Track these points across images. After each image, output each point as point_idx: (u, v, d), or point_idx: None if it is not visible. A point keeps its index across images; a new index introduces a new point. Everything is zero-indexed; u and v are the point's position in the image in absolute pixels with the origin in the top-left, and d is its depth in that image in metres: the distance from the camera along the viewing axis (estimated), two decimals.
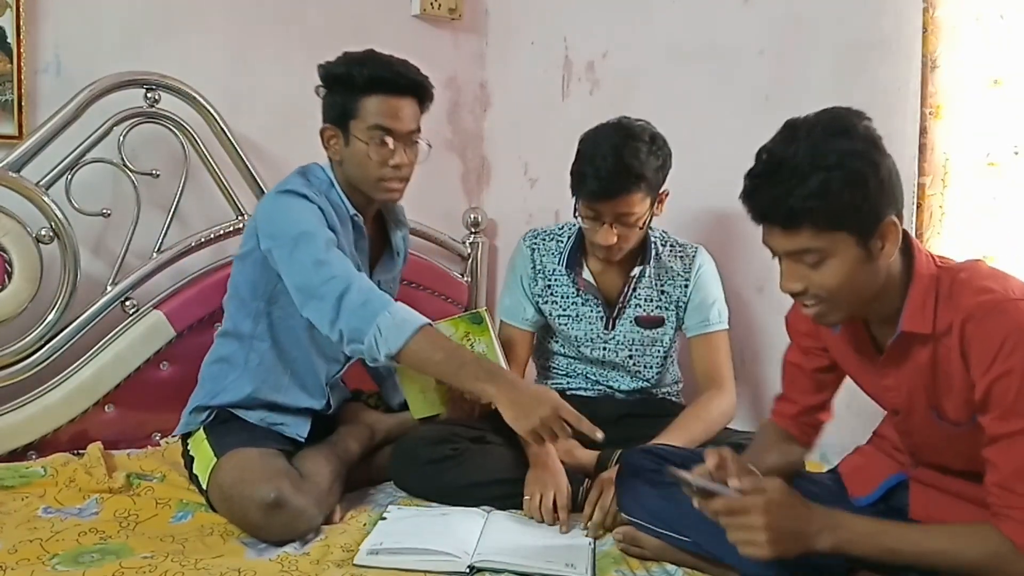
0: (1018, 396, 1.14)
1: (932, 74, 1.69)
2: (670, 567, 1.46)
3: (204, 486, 1.66)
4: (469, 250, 2.68)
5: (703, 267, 1.95)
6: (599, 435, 1.48)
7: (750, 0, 2.08)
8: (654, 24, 2.30)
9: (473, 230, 2.69)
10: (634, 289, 1.93)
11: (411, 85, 1.74)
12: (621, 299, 1.94)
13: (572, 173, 1.81)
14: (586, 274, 1.94)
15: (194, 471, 1.71)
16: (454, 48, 2.72)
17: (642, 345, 1.96)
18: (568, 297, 1.97)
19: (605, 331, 1.95)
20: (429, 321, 1.58)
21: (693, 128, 2.18)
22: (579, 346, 1.98)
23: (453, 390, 1.88)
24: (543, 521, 1.63)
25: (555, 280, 1.97)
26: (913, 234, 1.71)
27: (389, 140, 1.70)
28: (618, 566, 1.47)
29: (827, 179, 1.15)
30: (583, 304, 1.96)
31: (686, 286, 1.94)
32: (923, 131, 1.69)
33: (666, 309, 1.95)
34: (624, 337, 1.95)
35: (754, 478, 1.24)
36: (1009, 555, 1.14)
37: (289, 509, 1.52)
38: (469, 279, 2.67)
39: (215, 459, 1.65)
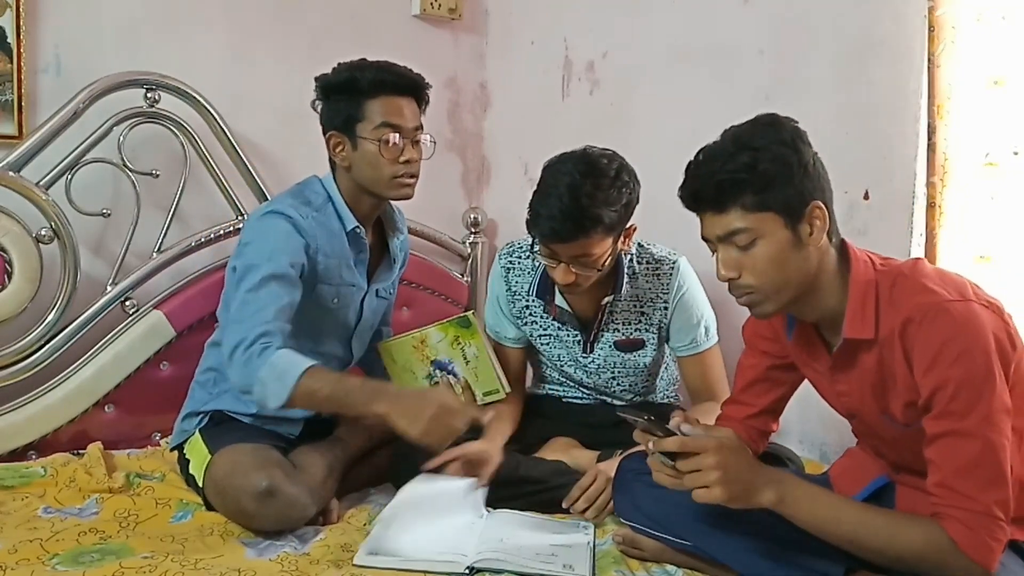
0: (955, 398, 1.15)
1: (935, 73, 1.69)
2: (670, 567, 1.46)
3: (200, 484, 1.67)
4: (469, 250, 2.68)
5: (683, 287, 1.83)
6: (487, 416, 1.56)
7: (750, 0, 2.08)
8: (654, 24, 2.30)
9: (473, 230, 2.69)
10: (609, 314, 1.85)
11: (411, 85, 1.78)
12: (596, 325, 1.86)
13: (529, 207, 1.70)
14: (559, 300, 1.86)
15: (190, 471, 1.72)
16: (454, 48, 2.72)
17: (624, 367, 1.89)
18: (546, 318, 1.91)
19: (584, 355, 1.89)
20: (312, 363, 1.53)
21: (693, 128, 2.16)
22: (561, 366, 1.93)
23: None
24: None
25: (532, 301, 1.90)
26: (924, 232, 1.72)
27: (397, 136, 1.73)
28: (618, 566, 1.47)
29: (753, 157, 1.21)
30: (559, 328, 1.90)
31: (666, 308, 1.84)
32: (932, 130, 1.68)
33: (646, 331, 1.86)
34: (604, 360, 1.88)
35: (708, 427, 1.29)
36: (949, 552, 1.15)
37: (281, 497, 1.53)
38: (469, 279, 2.67)
39: (210, 456, 1.66)
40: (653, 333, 1.87)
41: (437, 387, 1.53)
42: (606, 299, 1.82)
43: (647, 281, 1.84)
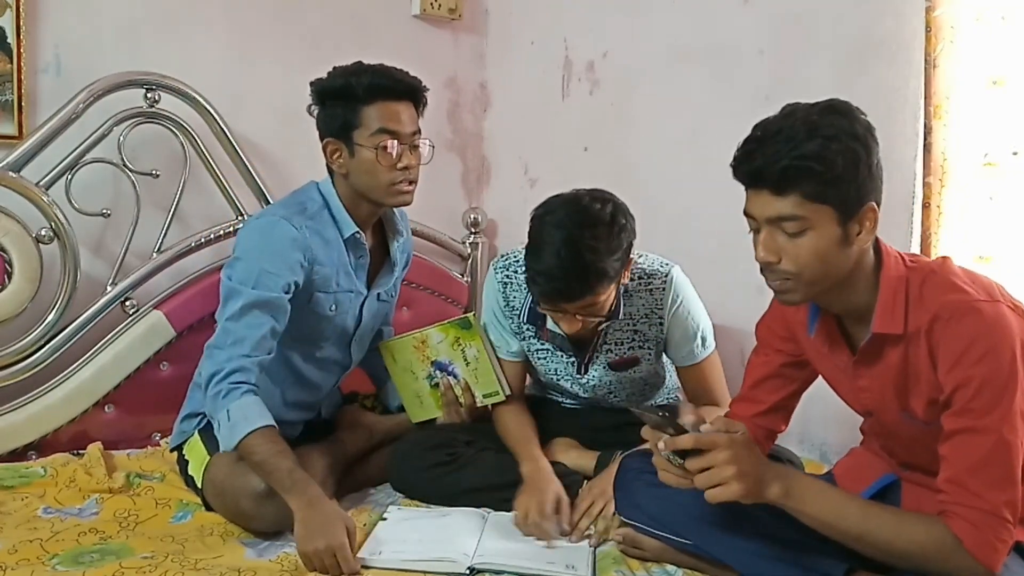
0: (976, 396, 1.15)
1: (932, 74, 1.69)
2: (671, 567, 1.46)
3: (199, 485, 1.67)
4: (469, 250, 2.68)
5: (678, 299, 1.77)
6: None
7: (750, 0, 2.08)
8: (654, 24, 2.30)
9: (473, 230, 2.69)
10: (603, 336, 1.78)
11: (408, 89, 1.75)
12: (591, 348, 1.80)
13: (526, 266, 1.63)
14: (550, 324, 1.77)
15: (189, 472, 1.72)
16: (454, 48, 2.72)
17: (619, 383, 1.85)
18: (541, 337, 1.86)
19: (579, 375, 1.85)
20: (265, 424, 1.55)
21: (693, 128, 2.18)
22: (558, 380, 1.90)
23: (450, 394, 1.89)
24: (533, 536, 1.58)
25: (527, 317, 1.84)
26: (919, 232, 1.72)
27: (394, 143, 1.70)
28: (618, 566, 1.47)
29: (825, 145, 1.18)
30: (554, 349, 1.85)
31: (662, 324, 1.77)
32: (929, 130, 1.68)
33: (640, 348, 1.80)
34: (599, 380, 1.84)
35: (725, 421, 1.29)
36: (953, 550, 1.15)
37: (280, 498, 1.52)
38: (469, 279, 2.67)
39: (209, 457, 1.66)
40: (649, 349, 1.81)
41: (344, 521, 1.46)
42: (602, 325, 1.74)
43: (640, 298, 1.77)
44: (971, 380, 1.15)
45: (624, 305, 1.76)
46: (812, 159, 1.17)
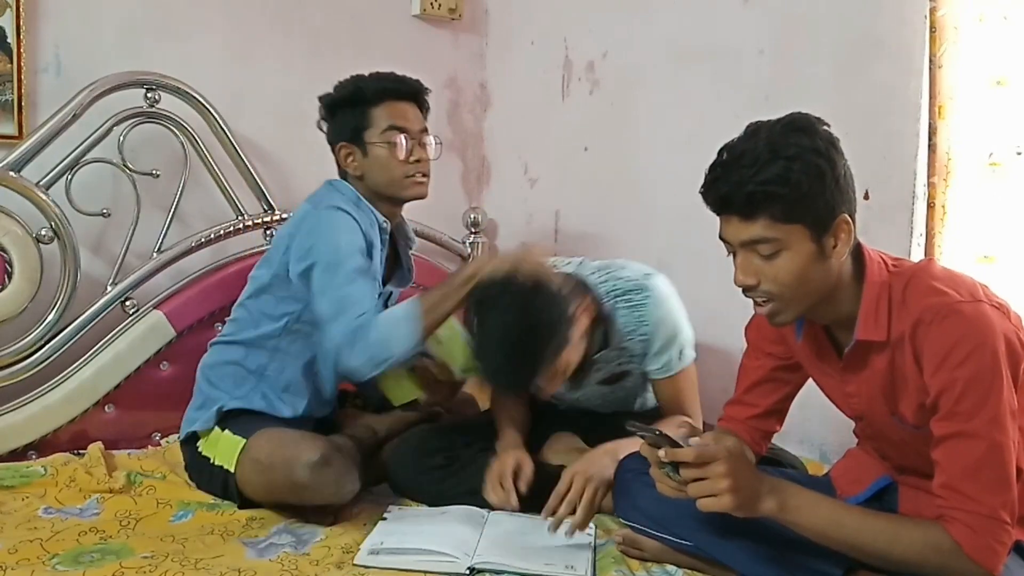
0: (962, 399, 1.15)
1: (936, 74, 1.68)
2: (670, 567, 1.46)
3: (232, 469, 1.65)
4: (469, 250, 2.68)
5: (659, 312, 1.73)
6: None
7: (750, 0, 2.08)
8: (654, 24, 2.30)
9: (473, 230, 2.69)
10: (594, 364, 1.77)
11: (413, 91, 1.86)
12: (584, 374, 1.77)
13: (472, 349, 1.62)
14: None
15: (215, 463, 1.69)
16: (454, 48, 2.72)
17: (612, 395, 1.86)
18: None
19: (570, 392, 1.84)
20: (411, 299, 1.65)
21: (693, 128, 2.18)
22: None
23: (428, 374, 1.89)
24: (495, 502, 1.64)
25: None
26: (924, 233, 1.72)
27: (404, 138, 1.79)
28: (618, 566, 1.47)
29: (787, 167, 1.18)
30: None
31: (645, 339, 1.74)
32: (933, 131, 1.68)
33: (629, 363, 1.79)
34: (592, 392, 1.84)
35: (716, 435, 1.30)
36: (952, 555, 1.15)
37: (336, 467, 1.56)
38: None
39: (244, 440, 1.65)
40: (636, 363, 1.80)
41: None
42: (597, 355, 1.75)
43: (622, 316, 1.74)
44: (955, 382, 1.15)
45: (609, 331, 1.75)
46: (775, 183, 1.18)
